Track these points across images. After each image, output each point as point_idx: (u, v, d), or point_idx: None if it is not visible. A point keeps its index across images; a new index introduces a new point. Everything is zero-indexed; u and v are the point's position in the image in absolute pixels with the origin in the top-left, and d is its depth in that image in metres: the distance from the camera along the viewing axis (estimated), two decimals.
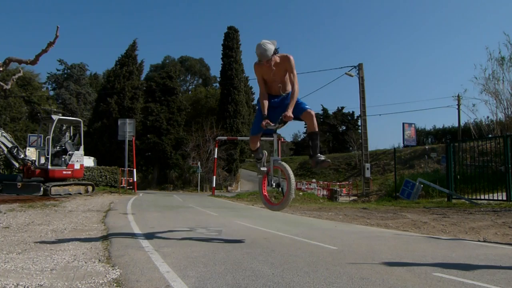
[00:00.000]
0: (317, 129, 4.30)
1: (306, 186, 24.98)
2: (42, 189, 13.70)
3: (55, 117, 14.89)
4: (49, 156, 14.38)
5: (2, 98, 34.36)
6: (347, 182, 30.76)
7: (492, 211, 8.69)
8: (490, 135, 15.89)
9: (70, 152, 15.17)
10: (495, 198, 10.66)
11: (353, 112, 51.63)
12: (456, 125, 35.06)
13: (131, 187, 20.53)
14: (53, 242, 4.25)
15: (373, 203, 13.99)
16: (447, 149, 12.48)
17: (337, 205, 13.50)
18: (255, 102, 43.47)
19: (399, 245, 4.37)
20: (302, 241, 4.47)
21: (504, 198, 10.43)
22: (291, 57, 4.16)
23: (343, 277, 2.68)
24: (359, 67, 22.26)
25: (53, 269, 2.92)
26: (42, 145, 15.42)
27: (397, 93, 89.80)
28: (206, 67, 62.90)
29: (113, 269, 2.91)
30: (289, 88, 4.30)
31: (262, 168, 4.55)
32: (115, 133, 23.25)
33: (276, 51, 4.06)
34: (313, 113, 4.26)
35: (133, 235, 4.82)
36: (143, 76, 38.57)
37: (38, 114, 27.74)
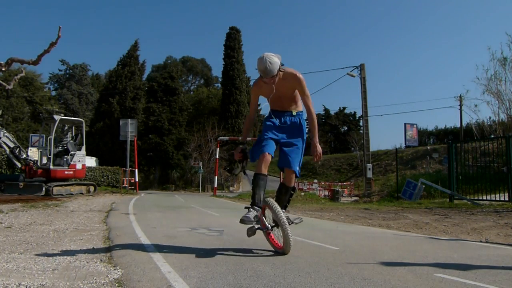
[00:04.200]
0: (293, 184, 3.77)
1: (308, 187, 24.96)
2: (44, 189, 13.74)
3: (57, 117, 14.92)
4: (51, 156, 14.41)
5: (4, 98, 34.49)
6: (348, 183, 30.73)
7: (494, 211, 8.67)
8: (492, 136, 15.84)
9: (72, 152, 15.20)
10: (497, 198, 10.64)
11: (355, 112, 51.73)
12: (458, 125, 34.99)
13: (132, 187, 20.57)
14: (55, 242, 4.26)
15: (375, 203, 13.96)
16: (449, 150, 12.44)
17: (339, 205, 13.49)
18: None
19: (400, 246, 4.36)
20: (304, 241, 4.46)
21: (506, 198, 10.40)
22: (300, 76, 3.54)
23: (344, 278, 2.67)
24: (361, 68, 22.21)
25: (55, 269, 2.93)
26: (44, 145, 15.44)
27: (399, 93, 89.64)
28: (208, 67, 63.03)
29: (114, 269, 2.91)
30: (299, 106, 3.78)
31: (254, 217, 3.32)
32: (117, 133, 23.34)
33: (280, 66, 3.45)
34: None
35: (134, 235, 4.82)
36: (145, 76, 38.73)
37: (40, 114, 27.80)
